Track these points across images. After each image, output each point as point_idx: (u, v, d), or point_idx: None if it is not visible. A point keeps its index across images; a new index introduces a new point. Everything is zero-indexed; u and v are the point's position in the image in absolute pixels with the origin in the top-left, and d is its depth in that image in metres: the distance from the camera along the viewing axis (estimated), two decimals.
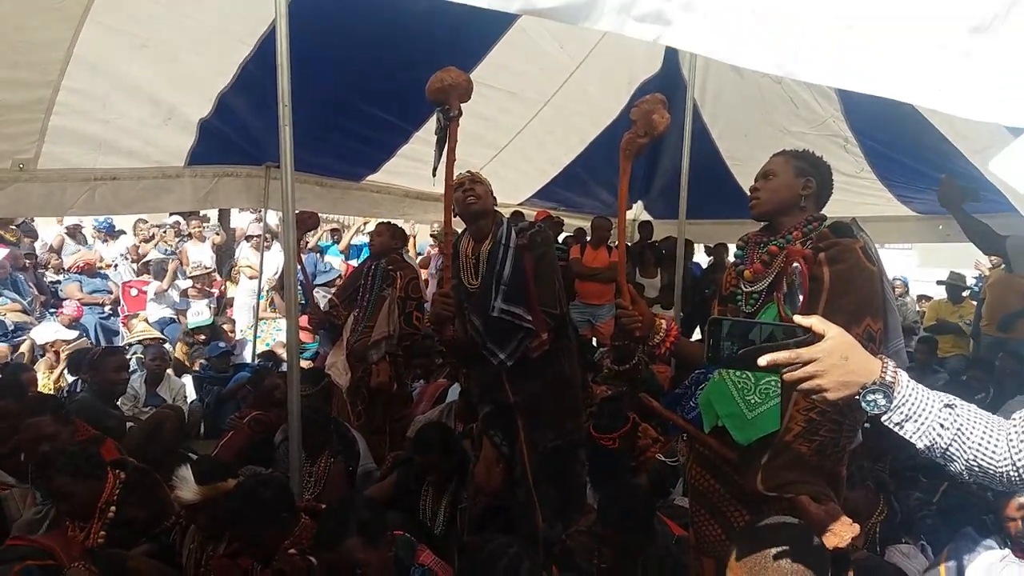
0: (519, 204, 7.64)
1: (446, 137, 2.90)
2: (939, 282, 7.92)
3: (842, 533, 1.93)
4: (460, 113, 2.89)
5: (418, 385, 5.75)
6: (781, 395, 2.04)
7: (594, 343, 7.28)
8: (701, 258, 9.29)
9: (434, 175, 3.02)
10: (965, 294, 7.59)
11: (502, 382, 3.16)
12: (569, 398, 3.27)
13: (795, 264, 2.05)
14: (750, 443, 2.09)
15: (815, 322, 1.26)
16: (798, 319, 1.28)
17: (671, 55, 5.93)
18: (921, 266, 9.34)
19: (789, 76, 1.63)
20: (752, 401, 2.10)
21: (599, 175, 7.60)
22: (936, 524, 3.21)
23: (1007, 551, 2.67)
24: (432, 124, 5.33)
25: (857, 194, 6.10)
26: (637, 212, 8.69)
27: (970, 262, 8.58)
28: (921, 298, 9.21)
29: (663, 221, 8.16)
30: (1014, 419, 1.29)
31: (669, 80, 5.97)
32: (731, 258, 2.72)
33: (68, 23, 3.66)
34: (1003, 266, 5.70)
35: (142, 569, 2.72)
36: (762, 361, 1.26)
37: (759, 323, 1.36)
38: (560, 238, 8.00)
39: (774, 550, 1.71)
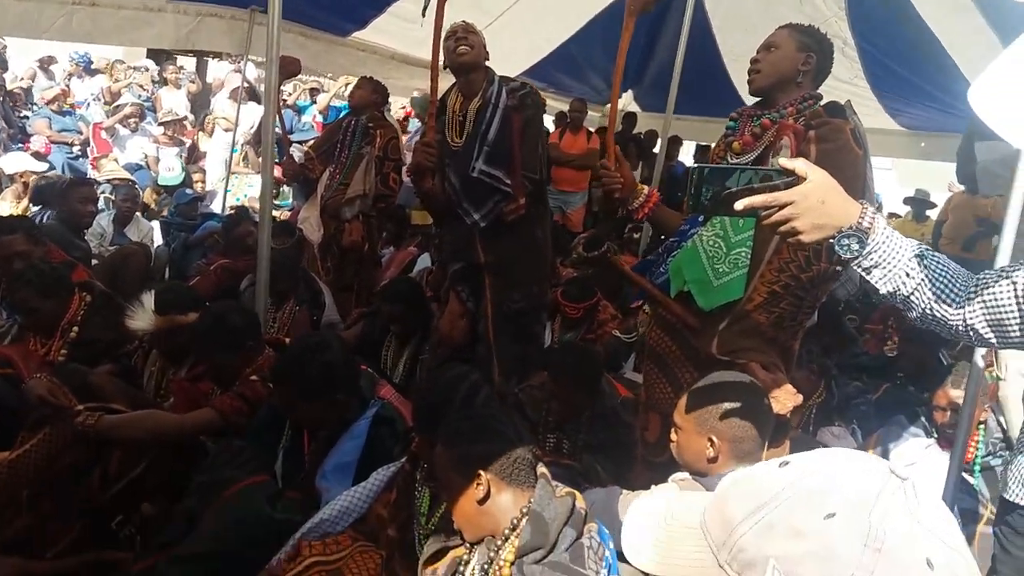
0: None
1: None
2: (905, 200, 7.97)
3: (785, 401, 2.03)
4: None
5: (387, 252, 5.76)
6: (750, 267, 2.08)
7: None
8: (687, 159, 9.22)
9: (423, 15, 2.92)
10: (929, 212, 7.65)
11: (474, 241, 3.17)
12: (538, 263, 3.30)
13: (783, 139, 2.05)
14: (712, 309, 2.15)
15: (799, 164, 1.25)
16: (783, 161, 1.26)
17: None
18: (900, 184, 9.38)
19: None
20: (720, 270, 2.14)
21: (594, 59, 7.41)
22: (869, 412, 3.37)
23: (932, 440, 2.82)
24: None
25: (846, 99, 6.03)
26: (626, 102, 8.54)
27: (945, 183, 8.62)
28: (891, 215, 9.30)
29: (652, 114, 8.06)
30: (978, 278, 1.31)
31: None
32: None
33: None
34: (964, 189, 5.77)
35: (104, 385, 2.75)
36: (739, 205, 1.25)
37: (739, 168, 1.33)
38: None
39: (723, 404, 1.79)
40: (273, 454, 2.45)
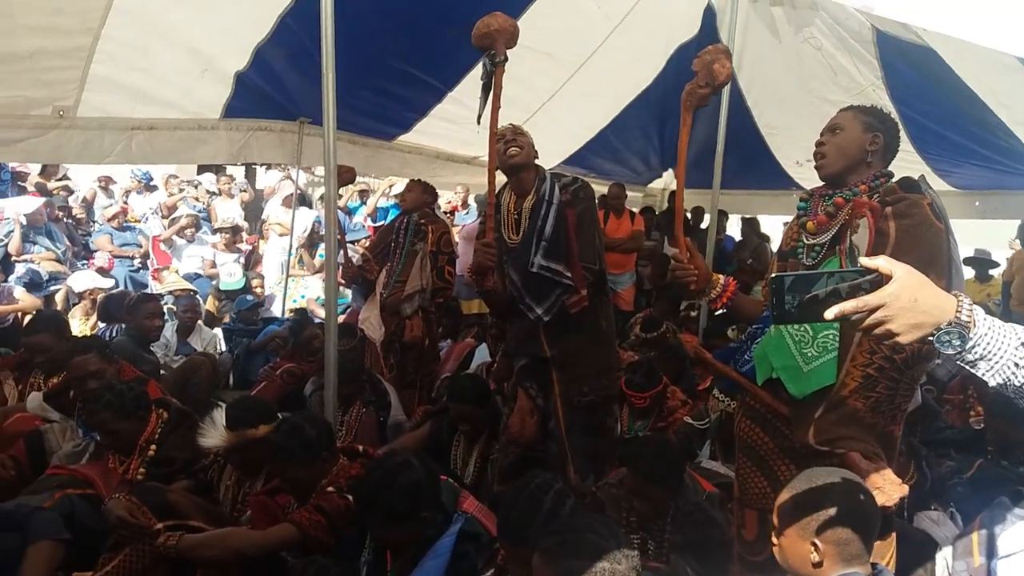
0: (549, 170, 7.60)
1: (491, 83, 2.88)
2: (966, 260, 7.78)
3: (891, 492, 1.92)
4: (506, 59, 2.87)
5: (445, 345, 5.78)
6: (839, 349, 2.03)
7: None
8: (733, 231, 9.20)
9: (479, 123, 2.99)
10: (992, 272, 7.44)
11: (539, 336, 3.16)
12: (604, 353, 3.28)
13: (861, 218, 2.02)
14: (804, 396, 2.08)
15: (882, 263, 1.22)
16: (864, 261, 1.24)
17: (709, 19, 5.83)
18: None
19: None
20: (809, 354, 2.09)
21: (631, 144, 7.53)
22: (967, 493, 3.19)
23: None
24: (464, 83, 5.39)
25: (893, 167, 5.98)
26: (667, 181, 8.62)
27: (1003, 241, 8.44)
28: None
29: (694, 190, 8.08)
30: None
31: (706, 44, 5.85)
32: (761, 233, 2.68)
33: None
34: None
35: (182, 503, 2.77)
36: (829, 314, 1.22)
37: (821, 273, 1.31)
38: None
39: (825, 506, 1.70)
40: (354, 570, 2.40)
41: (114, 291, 6.32)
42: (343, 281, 4.92)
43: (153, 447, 3.06)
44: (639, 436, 3.77)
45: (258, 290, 7.10)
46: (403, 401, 4.38)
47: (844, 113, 2.26)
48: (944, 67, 4.89)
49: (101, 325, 5.77)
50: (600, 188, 8.18)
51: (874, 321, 1.22)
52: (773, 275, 1.32)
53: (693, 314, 6.11)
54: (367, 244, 6.58)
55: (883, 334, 1.23)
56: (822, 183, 2.29)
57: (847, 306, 1.22)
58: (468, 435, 3.59)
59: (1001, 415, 3.53)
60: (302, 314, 6.01)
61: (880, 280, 1.23)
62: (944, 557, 2.80)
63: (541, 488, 2.05)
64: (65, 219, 7.93)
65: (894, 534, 2.11)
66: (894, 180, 2.15)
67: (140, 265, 7.90)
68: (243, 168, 11.34)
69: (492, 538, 2.29)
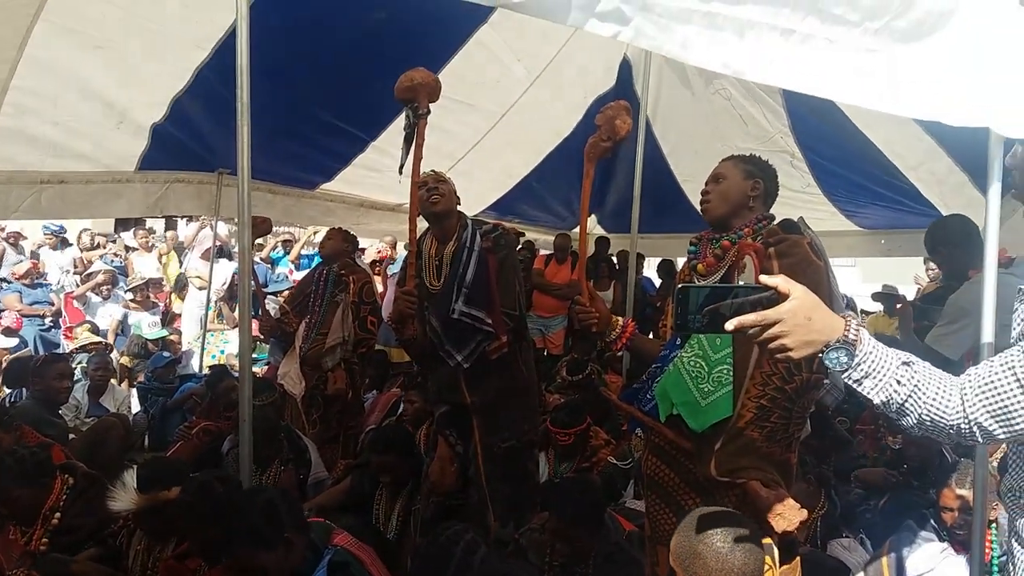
0: (474, 216, 7.68)
1: (414, 135, 2.93)
2: (874, 296, 8.15)
3: (791, 517, 2.00)
4: (428, 112, 2.93)
5: (370, 396, 5.71)
6: (733, 383, 2.10)
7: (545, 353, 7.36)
8: (653, 273, 9.44)
9: (400, 172, 3.03)
10: (900, 306, 7.77)
11: (459, 383, 3.17)
12: (525, 399, 3.30)
13: (745, 258, 2.13)
14: (704, 430, 2.14)
15: (780, 282, 1.29)
16: (764, 278, 1.30)
17: (625, 72, 6.06)
18: (864, 281, 9.65)
19: (734, 75, 1.75)
20: (706, 389, 2.16)
21: (554, 190, 7.69)
22: (875, 519, 3.30)
23: (946, 544, 2.76)
24: (388, 132, 5.44)
25: (803, 209, 6.22)
26: (590, 226, 8.79)
27: (910, 277, 8.86)
28: (863, 313, 9.48)
29: (616, 235, 8.30)
30: (968, 374, 1.33)
31: (622, 96, 6.04)
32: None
33: (20, 20, 3.58)
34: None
35: (88, 574, 2.65)
36: (729, 325, 1.28)
37: (724, 287, 1.38)
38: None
39: (701, 549, 1.72)
40: None
41: (20, 353, 6.04)
42: (261, 335, 4.83)
43: (58, 515, 2.92)
44: (562, 478, 3.79)
45: (175, 346, 6.89)
46: (327, 455, 4.28)
47: (725, 163, 2.39)
48: (843, 117, 5.18)
49: (7, 390, 5.50)
50: (532, 235, 8.35)
51: (771, 335, 1.28)
52: (680, 285, 1.37)
53: (619, 353, 6.20)
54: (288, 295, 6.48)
55: (777, 348, 1.29)
56: (709, 228, 2.40)
57: (747, 319, 1.28)
58: (390, 488, 3.52)
59: (917, 439, 3.67)
60: (219, 368, 5.85)
61: (776, 299, 1.29)
62: None
63: (451, 539, 2.04)
64: None
65: (798, 559, 2.17)
66: (775, 222, 2.26)
67: (51, 324, 7.59)
68: (163, 220, 11.11)
69: (362, 564, 2.27)
